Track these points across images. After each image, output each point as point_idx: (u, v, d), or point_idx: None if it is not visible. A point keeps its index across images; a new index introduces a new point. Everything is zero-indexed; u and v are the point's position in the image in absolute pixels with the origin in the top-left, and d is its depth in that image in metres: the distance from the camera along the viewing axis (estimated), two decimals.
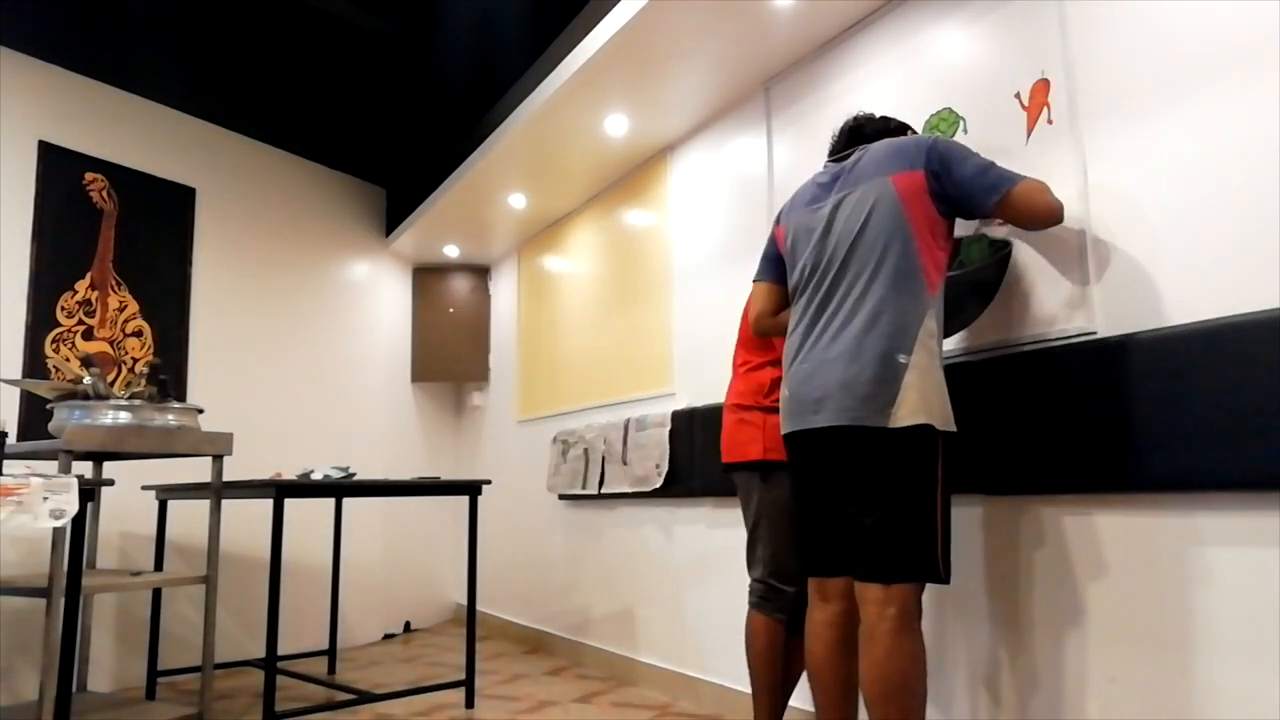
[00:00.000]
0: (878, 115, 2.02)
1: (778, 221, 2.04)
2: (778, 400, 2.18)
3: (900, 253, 1.70)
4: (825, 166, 1.97)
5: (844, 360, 1.67)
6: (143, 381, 2.74)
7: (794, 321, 1.87)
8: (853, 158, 1.87)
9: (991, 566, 2.00)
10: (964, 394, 1.99)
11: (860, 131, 1.96)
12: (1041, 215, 1.74)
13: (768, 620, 2.18)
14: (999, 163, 1.77)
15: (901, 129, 1.99)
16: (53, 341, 3.39)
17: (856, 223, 1.75)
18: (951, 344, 2.13)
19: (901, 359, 1.63)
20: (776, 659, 2.17)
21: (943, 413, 1.67)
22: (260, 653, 3.57)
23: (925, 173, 1.72)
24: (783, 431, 1.87)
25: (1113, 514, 1.75)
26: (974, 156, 1.77)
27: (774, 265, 2.03)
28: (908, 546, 1.63)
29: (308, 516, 3.85)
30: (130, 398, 2.62)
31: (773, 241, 2.05)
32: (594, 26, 2.76)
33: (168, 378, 2.79)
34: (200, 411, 2.78)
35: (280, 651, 2.91)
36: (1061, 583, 1.84)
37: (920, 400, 1.63)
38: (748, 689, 2.73)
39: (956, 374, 2.02)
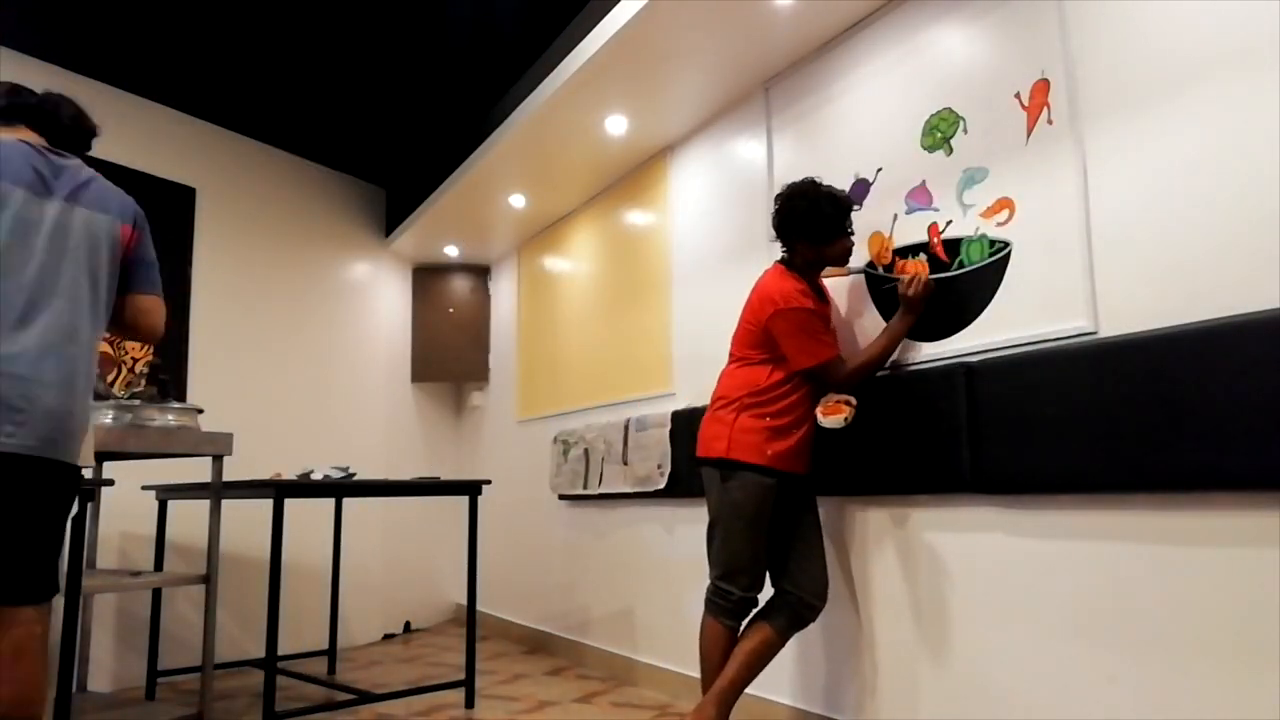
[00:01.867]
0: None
1: None
2: (769, 399, 2.20)
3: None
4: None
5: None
6: (143, 381, 2.74)
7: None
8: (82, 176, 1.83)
9: (993, 566, 2.00)
10: (965, 394, 2.00)
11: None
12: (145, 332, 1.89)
13: (715, 624, 2.20)
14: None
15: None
16: None
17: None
18: (952, 344, 2.13)
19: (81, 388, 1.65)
20: (722, 661, 2.18)
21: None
22: (260, 653, 3.57)
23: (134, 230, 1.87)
24: None
25: (1114, 514, 1.75)
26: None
27: None
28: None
29: (308, 516, 3.85)
30: (130, 398, 2.62)
31: None
32: (594, 26, 2.76)
33: (168, 378, 2.79)
34: (200, 411, 2.78)
35: (280, 651, 2.91)
36: (1063, 582, 1.84)
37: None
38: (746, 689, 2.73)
39: (958, 374, 2.02)
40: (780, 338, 2.19)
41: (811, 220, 2.23)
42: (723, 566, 2.21)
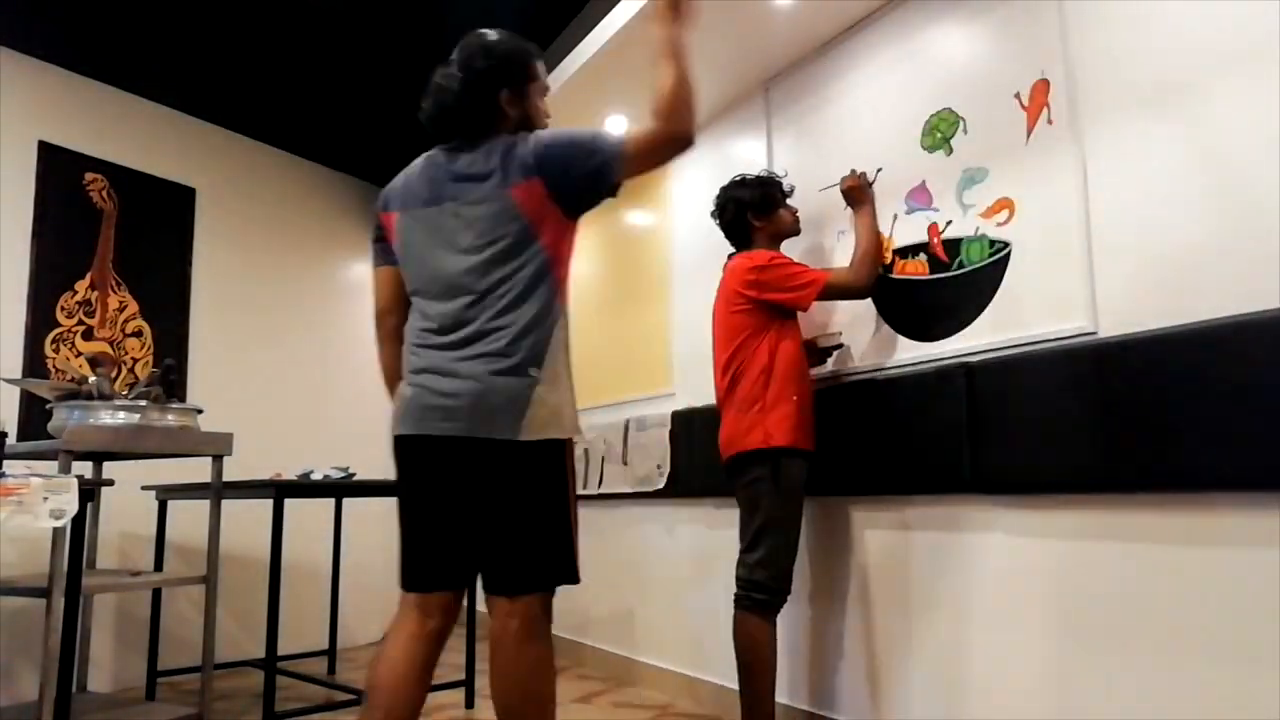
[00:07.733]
0: (454, 76, 1.83)
1: (387, 208, 1.86)
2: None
3: (531, 269, 1.64)
4: (438, 152, 1.87)
5: (477, 372, 1.60)
6: (155, 378, 2.74)
7: (417, 324, 1.73)
8: (463, 160, 1.76)
9: (992, 566, 2.00)
10: (965, 394, 2.00)
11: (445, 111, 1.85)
12: (666, 142, 1.76)
13: (765, 624, 2.24)
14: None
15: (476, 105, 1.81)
16: (53, 341, 3.38)
17: (481, 239, 1.65)
18: (952, 344, 2.13)
19: (533, 373, 1.60)
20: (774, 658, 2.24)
21: (572, 423, 1.67)
22: (260, 653, 3.56)
23: (543, 179, 1.63)
24: (397, 433, 1.69)
25: (1114, 514, 1.75)
26: (584, 147, 1.67)
27: (391, 252, 1.85)
28: (544, 557, 1.62)
29: (308, 516, 3.84)
30: (137, 396, 2.62)
31: (383, 230, 1.86)
32: (593, 27, 2.76)
33: (177, 378, 2.78)
34: (200, 412, 2.78)
35: (280, 651, 2.91)
36: (1062, 582, 1.84)
37: (549, 414, 1.61)
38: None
39: (958, 374, 2.03)
40: (776, 292, 2.23)
41: (745, 201, 2.40)
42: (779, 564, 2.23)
